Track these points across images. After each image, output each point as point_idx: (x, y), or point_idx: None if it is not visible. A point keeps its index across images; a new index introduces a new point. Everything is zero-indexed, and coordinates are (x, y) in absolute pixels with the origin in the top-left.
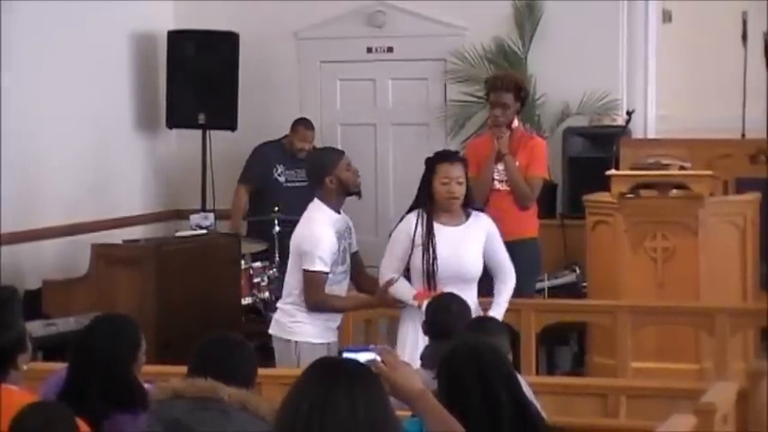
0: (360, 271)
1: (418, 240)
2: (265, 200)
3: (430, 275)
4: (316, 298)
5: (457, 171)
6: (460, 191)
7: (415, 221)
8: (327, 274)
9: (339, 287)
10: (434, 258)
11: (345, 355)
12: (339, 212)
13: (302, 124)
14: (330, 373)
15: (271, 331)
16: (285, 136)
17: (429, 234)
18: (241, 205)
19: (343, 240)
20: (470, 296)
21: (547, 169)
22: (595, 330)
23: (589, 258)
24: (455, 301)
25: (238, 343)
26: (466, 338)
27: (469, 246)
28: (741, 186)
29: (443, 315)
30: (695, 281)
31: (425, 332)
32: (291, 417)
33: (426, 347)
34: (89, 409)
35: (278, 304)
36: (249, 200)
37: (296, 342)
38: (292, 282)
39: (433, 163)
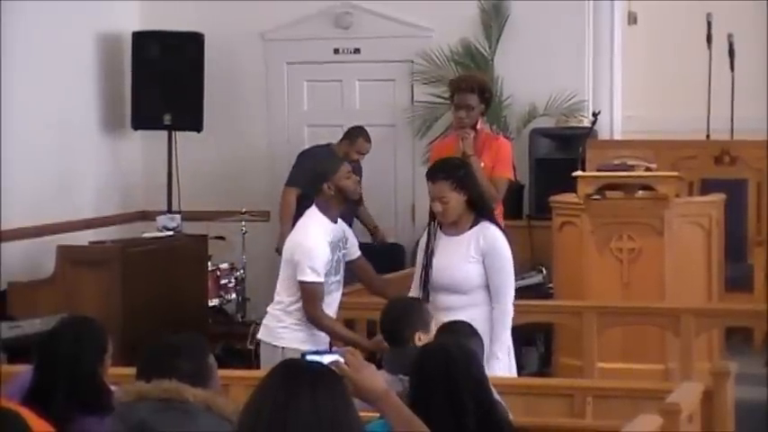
0: (370, 276)
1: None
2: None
3: (425, 284)
4: (313, 313)
5: (438, 190)
6: (443, 209)
7: (427, 232)
8: (322, 284)
9: (330, 297)
10: (428, 267)
11: (309, 357)
12: (336, 221)
13: (362, 136)
14: (293, 375)
15: (259, 336)
16: (329, 144)
17: (428, 243)
18: (289, 209)
19: (337, 251)
20: (470, 307)
21: (512, 170)
22: (562, 331)
23: (555, 259)
24: (400, 304)
25: (172, 343)
26: (440, 340)
27: (461, 256)
28: (706, 187)
29: (389, 319)
30: (661, 281)
31: (384, 339)
32: (254, 418)
33: (387, 353)
34: (55, 412)
35: (268, 308)
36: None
37: (282, 348)
38: (282, 287)
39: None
